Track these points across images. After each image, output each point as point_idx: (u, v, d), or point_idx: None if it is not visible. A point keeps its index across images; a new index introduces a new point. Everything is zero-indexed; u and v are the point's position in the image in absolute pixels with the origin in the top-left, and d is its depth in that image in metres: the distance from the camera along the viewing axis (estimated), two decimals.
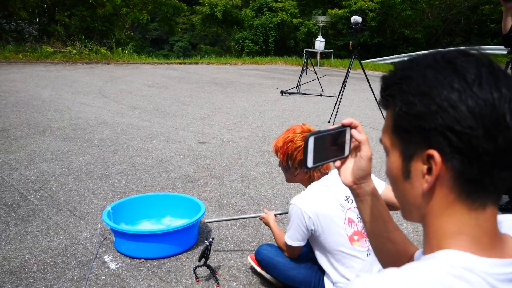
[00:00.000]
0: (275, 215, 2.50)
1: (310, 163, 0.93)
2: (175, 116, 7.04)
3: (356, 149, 0.99)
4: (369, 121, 7.14)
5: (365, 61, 18.80)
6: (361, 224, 2.09)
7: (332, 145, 0.96)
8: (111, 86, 9.95)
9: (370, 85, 6.67)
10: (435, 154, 0.66)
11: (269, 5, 24.56)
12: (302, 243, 2.14)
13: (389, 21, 23.71)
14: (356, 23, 5.84)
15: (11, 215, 3.22)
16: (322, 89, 10.48)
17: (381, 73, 15.56)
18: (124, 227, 2.84)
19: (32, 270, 2.51)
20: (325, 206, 2.04)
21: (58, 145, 5.09)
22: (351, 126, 0.97)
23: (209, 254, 2.45)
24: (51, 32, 16.82)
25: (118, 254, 2.73)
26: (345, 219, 2.05)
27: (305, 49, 13.20)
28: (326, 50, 16.88)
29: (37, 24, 17.56)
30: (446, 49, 0.72)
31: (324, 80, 11.53)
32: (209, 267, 2.48)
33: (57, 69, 12.74)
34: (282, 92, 9.79)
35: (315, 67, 11.58)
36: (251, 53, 22.76)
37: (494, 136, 0.63)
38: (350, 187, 1.01)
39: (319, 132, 0.93)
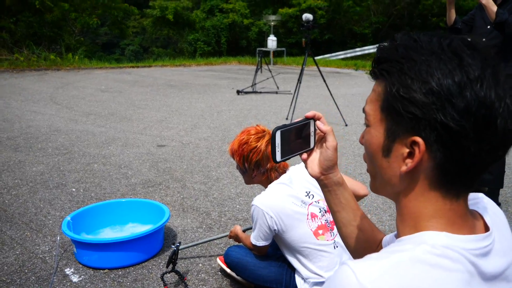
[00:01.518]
0: (243, 230, 2.47)
1: (278, 157, 0.93)
2: (131, 120, 6.88)
3: (322, 140, 0.99)
4: (325, 116, 7.19)
5: (317, 57, 19.12)
6: (324, 218, 2.11)
7: (298, 138, 0.96)
8: (63, 92, 9.58)
9: (325, 81, 6.78)
10: (421, 142, 0.66)
11: (220, 7, 24.52)
12: (266, 243, 2.14)
13: (337, 18, 24.27)
14: (308, 21, 5.92)
15: None
16: (278, 87, 10.55)
17: (333, 69, 15.93)
18: (85, 237, 2.74)
19: None
20: (286, 205, 2.04)
21: (9, 155, 4.84)
22: (314, 118, 0.97)
23: (176, 259, 2.40)
24: None
25: (80, 265, 2.62)
26: (307, 215, 2.06)
27: (258, 49, 13.25)
28: (279, 49, 17.04)
29: None
30: (451, 35, 0.70)
31: (278, 78, 11.61)
32: (177, 272, 2.42)
33: (4, 77, 12.14)
34: (238, 92, 9.78)
35: (269, 66, 11.65)
36: (204, 54, 22.64)
37: (482, 139, 0.64)
38: (317, 179, 1.00)
39: (284, 126, 0.92)
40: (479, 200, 0.84)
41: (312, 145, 0.99)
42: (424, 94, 0.64)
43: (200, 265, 2.67)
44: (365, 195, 2.21)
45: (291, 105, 6.98)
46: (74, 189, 3.88)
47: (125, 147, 5.29)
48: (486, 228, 0.76)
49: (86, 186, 3.96)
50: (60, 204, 3.54)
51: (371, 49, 21.35)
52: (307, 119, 0.97)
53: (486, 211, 0.81)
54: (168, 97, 9.28)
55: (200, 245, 2.89)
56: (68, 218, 2.72)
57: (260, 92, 9.95)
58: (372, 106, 0.75)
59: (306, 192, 2.10)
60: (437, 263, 0.64)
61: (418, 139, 0.66)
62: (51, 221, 3.23)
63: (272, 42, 16.09)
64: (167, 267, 2.37)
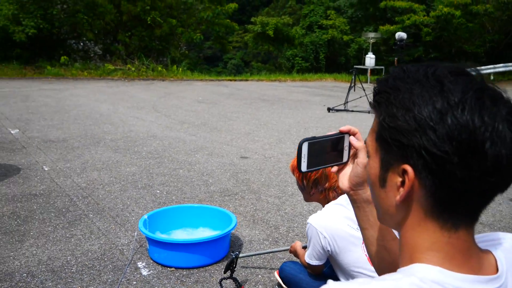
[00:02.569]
0: (303, 247, 2.50)
1: (304, 167, 0.96)
2: (220, 131, 7.23)
3: (355, 156, 1.00)
4: None
5: None
6: None
7: (331, 150, 0.99)
8: (164, 101, 10.38)
9: None
10: (409, 170, 0.66)
11: (319, 23, 24.64)
12: (320, 262, 2.13)
13: (445, 36, 23.00)
14: (401, 39, 5.79)
15: (60, 219, 3.46)
16: None
17: None
18: (158, 235, 2.98)
19: (72, 270, 2.70)
20: (341, 227, 2.01)
21: (110, 155, 5.39)
22: (349, 133, 0.99)
23: (235, 267, 2.52)
24: (113, 51, 17.96)
25: (151, 261, 2.86)
26: (363, 240, 2.02)
27: (354, 66, 13.10)
28: (377, 67, 16.66)
29: (101, 44, 18.82)
30: (444, 64, 0.70)
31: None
32: (235, 280, 2.53)
33: (117, 85, 13.49)
34: (329, 109, 9.77)
35: (364, 84, 11.46)
36: (302, 70, 22.86)
37: (468, 164, 0.62)
38: (347, 193, 1.01)
39: (313, 138, 0.96)
40: (500, 241, 0.78)
41: (345, 159, 1.01)
42: (407, 122, 0.65)
43: (260, 276, 2.76)
44: None
45: None
46: (158, 191, 4.21)
47: (211, 156, 5.59)
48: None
49: (169, 189, 4.28)
50: (144, 203, 3.87)
51: (483, 69, 19.90)
52: (342, 133, 0.99)
53: (503, 252, 0.74)
54: (259, 110, 9.58)
55: (263, 256, 2.98)
56: (145, 216, 2.99)
57: (352, 111, 9.83)
58: (370, 137, 0.76)
59: None
60: None
61: (407, 167, 0.66)
62: (134, 218, 3.55)
63: (370, 59, 15.80)
64: (224, 273, 2.50)
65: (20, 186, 4.16)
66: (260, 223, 3.58)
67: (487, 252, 0.74)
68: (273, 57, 33.05)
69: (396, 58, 6.32)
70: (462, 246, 0.68)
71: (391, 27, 21.51)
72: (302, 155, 0.95)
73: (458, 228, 0.68)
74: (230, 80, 16.48)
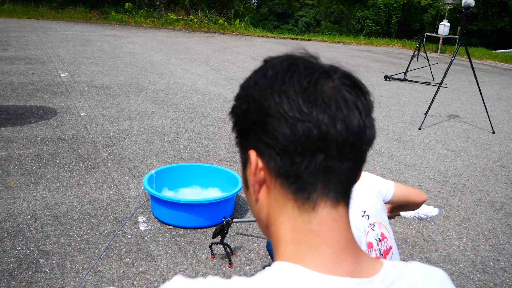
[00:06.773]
0: None
1: None
2: None
3: None
4: (472, 117, 6.40)
5: (499, 51, 16.79)
6: (378, 247, 1.85)
7: None
8: (218, 55, 10.30)
9: (475, 77, 5.95)
10: (251, 152, 0.61)
11: None
12: None
13: None
14: (467, 7, 5.19)
15: (79, 165, 3.55)
16: (433, 78, 9.63)
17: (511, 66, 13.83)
18: (162, 193, 2.96)
19: (74, 218, 2.77)
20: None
21: (146, 106, 5.45)
22: None
23: (226, 233, 2.45)
24: (178, 1, 17.87)
25: (152, 217, 2.87)
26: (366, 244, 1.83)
27: (425, 33, 12.15)
28: (451, 36, 15.36)
29: None
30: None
31: (438, 68, 10.58)
32: (226, 245, 2.48)
33: (177, 35, 13.56)
34: (386, 77, 9.23)
35: (434, 53, 10.66)
36: (371, 33, 21.72)
37: (290, 124, 0.57)
38: None
39: None
40: (409, 264, 0.66)
41: None
42: (239, 105, 0.64)
43: (255, 244, 2.68)
44: (423, 201, 1.91)
45: (432, 100, 6.32)
46: (182, 146, 4.20)
47: None
48: None
49: (194, 145, 4.25)
50: (164, 158, 3.88)
51: None
52: None
53: (400, 264, 0.64)
54: None
55: None
56: (153, 172, 2.97)
57: (411, 81, 9.22)
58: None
59: (362, 211, 1.85)
60: None
61: (250, 151, 0.62)
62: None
63: (444, 27, 14.54)
64: (213, 238, 2.44)
65: (52, 129, 4.31)
66: None
67: (377, 260, 0.63)
68: (346, 17, 31.70)
69: (459, 28, 5.73)
70: (327, 235, 0.59)
71: None
72: None
73: (316, 206, 0.59)
74: (292, 38, 16.03)
